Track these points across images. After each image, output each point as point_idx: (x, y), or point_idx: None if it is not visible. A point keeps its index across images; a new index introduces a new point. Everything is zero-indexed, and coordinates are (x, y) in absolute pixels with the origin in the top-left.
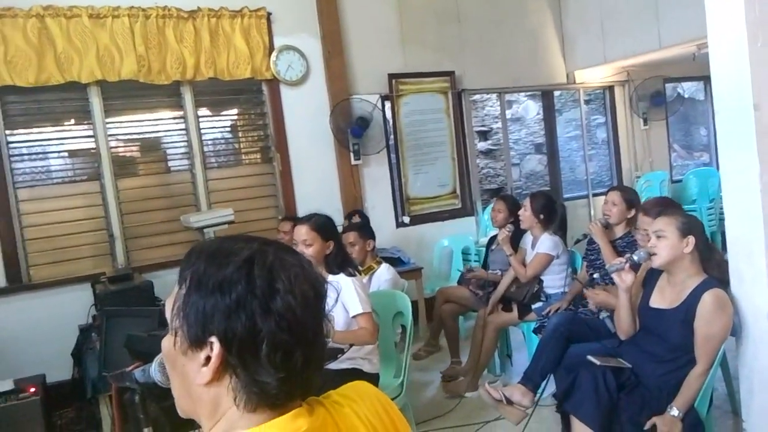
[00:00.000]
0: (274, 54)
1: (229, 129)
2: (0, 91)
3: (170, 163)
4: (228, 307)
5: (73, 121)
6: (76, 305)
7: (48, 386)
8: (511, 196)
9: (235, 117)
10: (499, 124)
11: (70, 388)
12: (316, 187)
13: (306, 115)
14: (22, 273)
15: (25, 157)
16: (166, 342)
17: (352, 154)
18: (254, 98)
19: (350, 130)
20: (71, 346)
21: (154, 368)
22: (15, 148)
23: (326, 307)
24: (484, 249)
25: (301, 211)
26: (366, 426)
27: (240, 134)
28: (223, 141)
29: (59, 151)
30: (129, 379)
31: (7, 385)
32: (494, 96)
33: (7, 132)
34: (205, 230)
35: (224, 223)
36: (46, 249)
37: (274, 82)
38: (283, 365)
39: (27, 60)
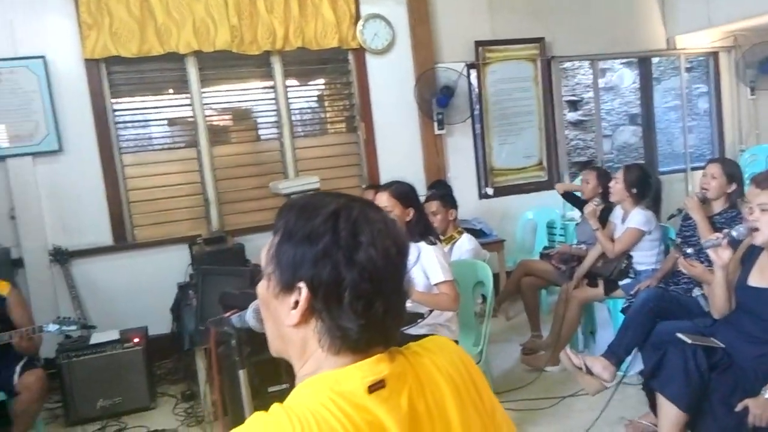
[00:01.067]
0: (360, 22)
1: (315, 98)
2: (107, 62)
3: (260, 132)
4: (315, 256)
5: (171, 91)
6: (174, 264)
7: (149, 338)
8: (602, 168)
9: (322, 86)
10: (591, 94)
11: (169, 341)
12: (400, 156)
13: (390, 84)
14: (126, 233)
15: (129, 125)
16: (261, 286)
17: (435, 124)
18: (340, 68)
19: (435, 100)
20: (170, 302)
21: (249, 314)
22: (120, 115)
23: (407, 264)
24: (572, 224)
25: (384, 180)
26: (444, 377)
27: (326, 103)
28: (309, 110)
29: (159, 119)
30: (227, 324)
31: (113, 335)
32: (586, 64)
33: (113, 100)
34: (292, 197)
35: (310, 191)
36: (148, 211)
37: (360, 51)
38: (364, 313)
39: (130, 32)
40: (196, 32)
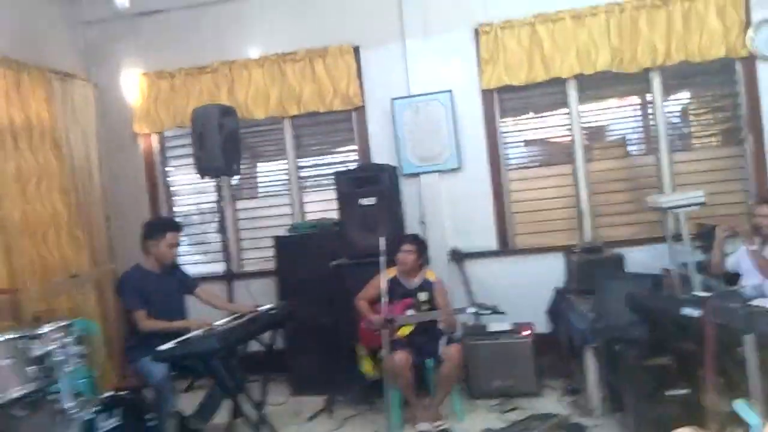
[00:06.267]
0: (750, 29)
1: (690, 112)
2: (498, 91)
3: (634, 147)
4: None
5: (551, 112)
6: (549, 270)
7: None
8: None
9: (700, 99)
10: None
11: (546, 341)
12: None
13: None
14: (508, 240)
15: (514, 144)
16: None
17: None
18: (723, 78)
19: None
20: (544, 304)
21: None
22: (506, 136)
23: None
24: None
25: None
26: None
27: (701, 116)
28: (685, 123)
29: (539, 139)
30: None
31: (506, 326)
32: None
33: (502, 123)
34: (673, 211)
35: (693, 205)
36: (527, 221)
37: (749, 60)
38: None
39: (520, 62)
40: (578, 57)
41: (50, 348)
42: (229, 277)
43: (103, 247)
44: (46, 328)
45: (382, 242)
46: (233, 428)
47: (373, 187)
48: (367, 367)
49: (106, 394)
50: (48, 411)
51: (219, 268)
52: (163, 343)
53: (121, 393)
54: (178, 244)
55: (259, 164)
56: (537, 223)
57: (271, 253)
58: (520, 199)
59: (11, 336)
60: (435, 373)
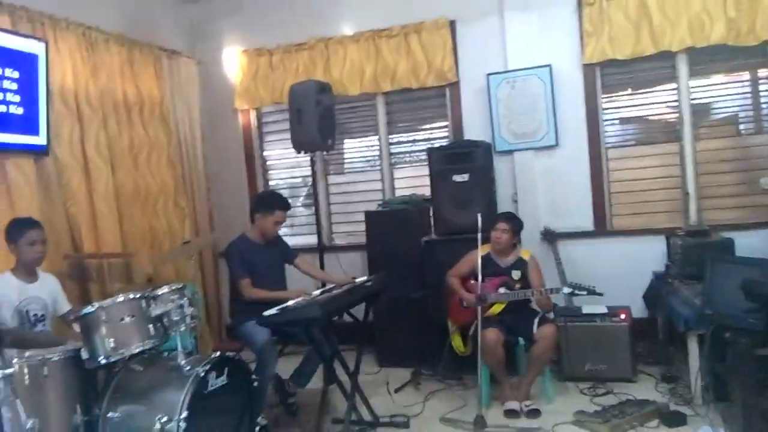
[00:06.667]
0: None
1: None
2: (601, 65)
3: (747, 126)
4: None
5: (658, 88)
6: (648, 253)
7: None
8: None
9: None
10: None
11: (642, 326)
12: None
13: None
14: (606, 220)
15: (616, 122)
16: None
17: None
18: None
19: None
20: (641, 288)
21: None
22: (608, 113)
23: None
24: None
25: None
26: None
27: None
28: None
29: (644, 116)
30: None
31: (601, 309)
32: None
33: (603, 99)
34: None
35: None
36: (627, 202)
37: None
38: None
39: (626, 35)
40: (690, 29)
41: (168, 308)
42: (320, 249)
43: (205, 217)
44: (164, 290)
45: (479, 219)
46: (326, 394)
47: (466, 164)
48: (457, 343)
49: (215, 355)
50: (163, 367)
51: (310, 240)
52: (267, 309)
53: (228, 354)
54: (283, 222)
55: (350, 140)
56: (637, 204)
57: (361, 227)
58: (620, 179)
59: (134, 296)
60: (527, 352)
